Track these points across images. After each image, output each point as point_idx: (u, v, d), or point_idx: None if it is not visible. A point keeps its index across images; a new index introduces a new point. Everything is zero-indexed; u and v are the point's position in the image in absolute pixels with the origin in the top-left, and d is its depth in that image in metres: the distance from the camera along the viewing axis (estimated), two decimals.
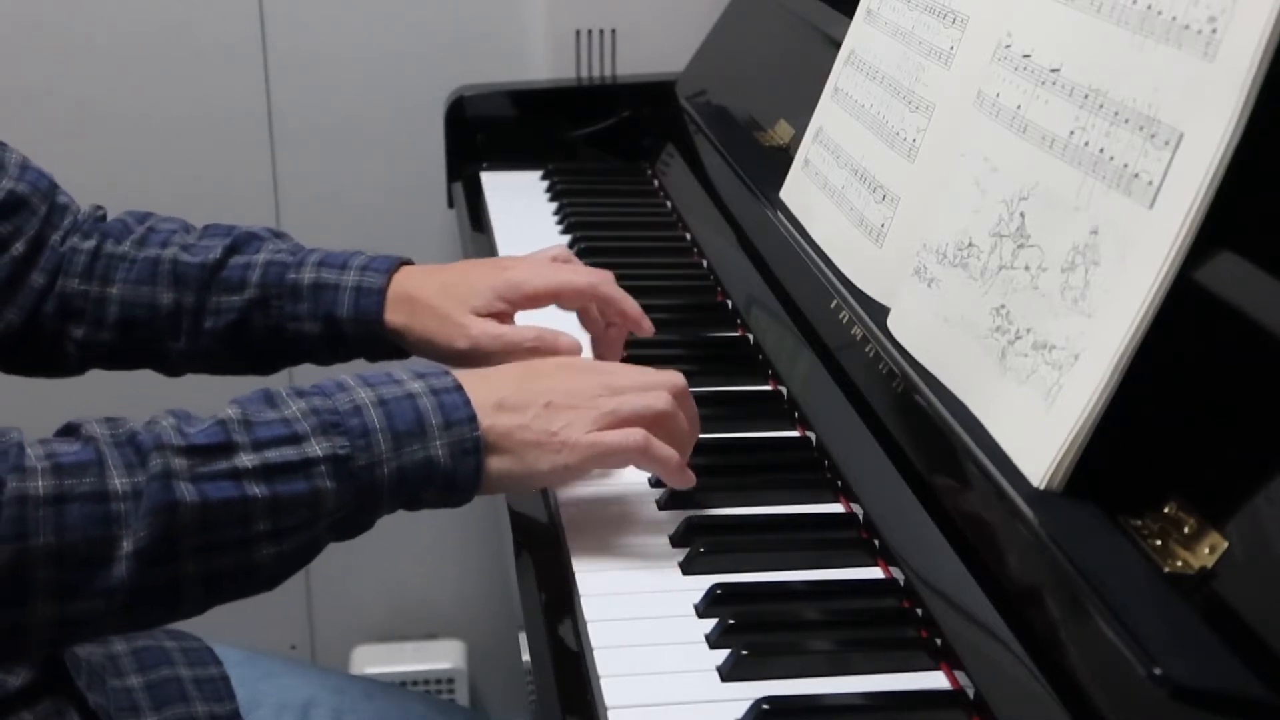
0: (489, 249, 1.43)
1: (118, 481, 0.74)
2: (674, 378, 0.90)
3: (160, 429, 0.77)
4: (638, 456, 0.86)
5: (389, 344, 1.04)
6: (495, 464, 0.83)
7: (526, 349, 0.99)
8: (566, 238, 1.43)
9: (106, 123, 1.77)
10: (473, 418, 0.82)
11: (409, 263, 1.06)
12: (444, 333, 1.01)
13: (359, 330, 1.03)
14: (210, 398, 1.04)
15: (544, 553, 0.90)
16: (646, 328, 1.06)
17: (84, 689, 0.94)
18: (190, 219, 1.84)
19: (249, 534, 0.76)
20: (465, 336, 1.00)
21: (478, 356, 1.01)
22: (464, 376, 0.85)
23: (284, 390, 0.81)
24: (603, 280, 1.04)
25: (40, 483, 0.72)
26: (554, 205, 1.52)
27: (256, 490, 0.76)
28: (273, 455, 0.77)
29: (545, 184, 1.59)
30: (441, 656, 1.95)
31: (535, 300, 1.03)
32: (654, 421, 0.87)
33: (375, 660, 1.95)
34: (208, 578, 0.76)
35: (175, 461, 0.75)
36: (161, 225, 1.11)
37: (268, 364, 1.10)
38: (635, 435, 0.86)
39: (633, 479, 0.97)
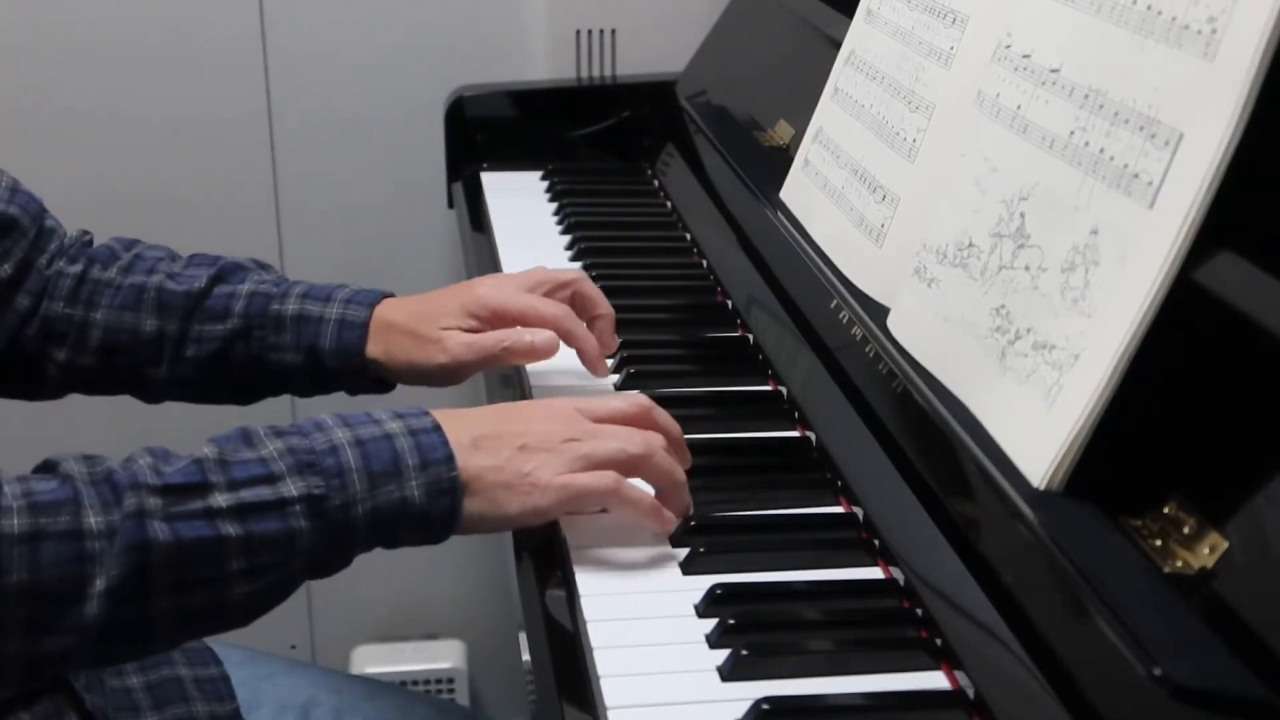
0: (489, 249, 1.43)
1: (93, 520, 0.74)
2: (652, 437, 0.89)
3: (137, 468, 0.77)
4: (609, 499, 0.86)
5: (370, 377, 1.05)
6: (468, 505, 0.83)
7: (503, 349, 1.00)
8: (566, 238, 1.43)
9: (106, 123, 1.77)
10: (450, 458, 0.82)
11: (391, 295, 1.07)
12: (422, 352, 1.02)
13: (340, 363, 1.04)
14: (190, 423, 1.05)
15: (544, 553, 0.90)
16: (600, 371, 1.07)
17: (82, 690, 0.94)
18: (190, 219, 1.84)
19: (222, 573, 0.77)
20: (443, 351, 1.01)
21: (459, 369, 1.02)
22: (442, 416, 0.85)
23: (262, 429, 0.81)
24: (567, 315, 1.04)
25: (16, 520, 0.73)
26: (554, 205, 1.52)
27: (230, 530, 0.76)
28: (247, 495, 0.77)
29: (545, 184, 1.59)
30: (441, 656, 1.95)
31: (502, 317, 1.03)
32: (628, 465, 0.87)
33: (375, 660, 1.95)
34: (180, 615, 0.77)
35: (150, 501, 0.75)
36: (148, 253, 1.11)
37: (248, 393, 1.10)
38: (606, 478, 0.86)
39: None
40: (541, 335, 1.00)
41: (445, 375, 1.03)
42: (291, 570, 0.80)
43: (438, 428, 0.84)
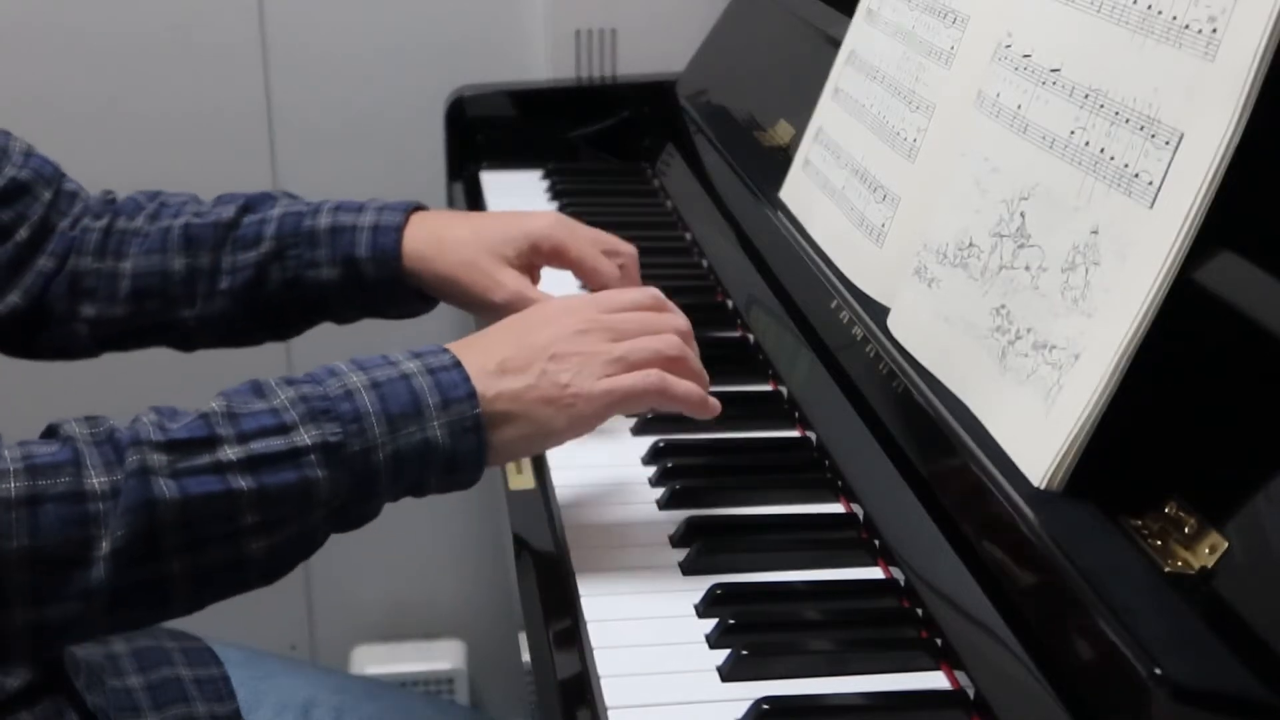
0: None
1: (95, 481, 0.72)
2: (678, 321, 0.88)
3: (140, 425, 0.75)
4: (656, 398, 0.84)
5: (408, 287, 1.02)
6: (507, 433, 0.81)
7: None
8: None
9: (106, 122, 1.77)
10: (472, 394, 0.80)
11: (423, 207, 1.05)
12: (475, 281, 0.99)
13: (378, 271, 1.02)
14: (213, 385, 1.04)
15: (544, 553, 0.90)
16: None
17: (82, 689, 0.94)
18: None
19: (236, 528, 0.74)
20: (502, 290, 0.98)
21: (505, 311, 0.97)
22: (460, 347, 0.83)
23: (274, 380, 0.79)
24: (619, 279, 1.02)
25: (13, 484, 0.71)
26: (554, 205, 1.52)
27: (242, 483, 0.74)
28: (258, 446, 0.75)
29: (545, 184, 1.59)
30: (441, 656, 1.95)
31: (559, 256, 1.01)
32: (665, 366, 0.85)
33: (375, 660, 1.95)
34: (195, 574, 0.74)
35: (153, 457, 0.73)
36: (172, 199, 1.10)
37: (285, 322, 1.08)
38: (651, 377, 0.83)
39: (633, 478, 0.97)
40: None
41: (489, 311, 1.00)
42: (312, 522, 0.77)
43: (458, 364, 0.81)
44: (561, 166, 1.62)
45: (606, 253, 1.04)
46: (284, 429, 0.76)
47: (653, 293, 0.91)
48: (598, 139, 1.69)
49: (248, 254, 1.04)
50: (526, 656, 0.84)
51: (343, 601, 1.96)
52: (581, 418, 0.83)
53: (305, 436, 0.76)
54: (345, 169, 1.83)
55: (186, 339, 1.09)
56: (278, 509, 0.75)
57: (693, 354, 0.87)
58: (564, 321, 0.85)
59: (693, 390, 0.86)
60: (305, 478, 0.76)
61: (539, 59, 1.76)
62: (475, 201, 1.57)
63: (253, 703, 1.08)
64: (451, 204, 1.64)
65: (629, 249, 1.05)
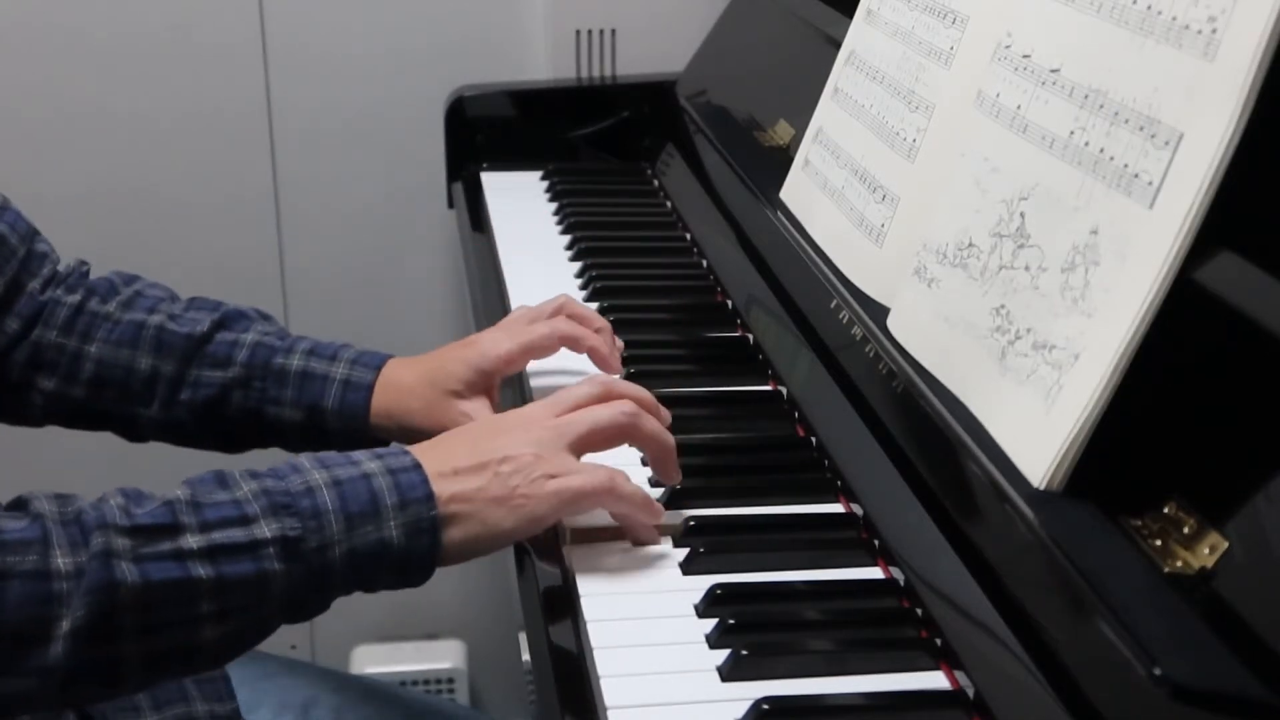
0: (489, 249, 1.43)
1: (60, 561, 0.73)
2: (625, 405, 0.90)
3: (107, 508, 0.76)
4: (605, 498, 0.86)
5: (371, 440, 1.04)
6: (458, 533, 0.82)
7: None
8: (566, 238, 1.43)
9: (107, 123, 1.77)
10: (430, 496, 0.81)
11: (393, 357, 1.07)
12: (436, 423, 1.01)
13: (343, 424, 1.04)
14: (174, 460, 1.03)
15: (544, 553, 0.90)
16: (615, 366, 1.08)
17: None
18: (190, 219, 1.84)
19: (192, 615, 0.76)
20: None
21: None
22: (420, 450, 0.85)
23: (238, 472, 0.80)
24: (555, 329, 1.05)
25: None
26: (554, 205, 1.52)
27: (201, 571, 0.75)
28: (219, 536, 0.76)
29: (545, 184, 1.59)
30: (441, 656, 1.95)
31: (510, 363, 1.04)
32: (613, 434, 0.88)
33: (375, 660, 1.95)
34: (148, 657, 0.76)
35: (118, 541, 0.74)
36: (149, 291, 1.10)
37: (236, 444, 1.09)
38: (599, 477, 0.85)
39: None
40: None
41: None
42: (265, 613, 0.79)
43: (417, 466, 0.83)
44: (561, 166, 1.62)
45: (546, 318, 1.07)
46: (245, 520, 0.78)
47: (599, 381, 0.93)
48: (598, 139, 1.69)
49: (214, 374, 1.05)
50: (526, 656, 0.84)
51: (343, 601, 1.96)
52: (532, 517, 0.84)
53: (265, 529, 0.78)
54: (345, 169, 1.83)
55: (137, 433, 1.10)
56: (234, 598, 0.77)
57: (647, 416, 0.90)
58: (517, 429, 0.88)
59: (637, 493, 0.88)
60: (263, 570, 0.77)
61: (539, 59, 1.76)
62: (475, 201, 1.57)
63: (253, 703, 1.08)
64: (451, 204, 1.64)
65: (558, 300, 1.09)
